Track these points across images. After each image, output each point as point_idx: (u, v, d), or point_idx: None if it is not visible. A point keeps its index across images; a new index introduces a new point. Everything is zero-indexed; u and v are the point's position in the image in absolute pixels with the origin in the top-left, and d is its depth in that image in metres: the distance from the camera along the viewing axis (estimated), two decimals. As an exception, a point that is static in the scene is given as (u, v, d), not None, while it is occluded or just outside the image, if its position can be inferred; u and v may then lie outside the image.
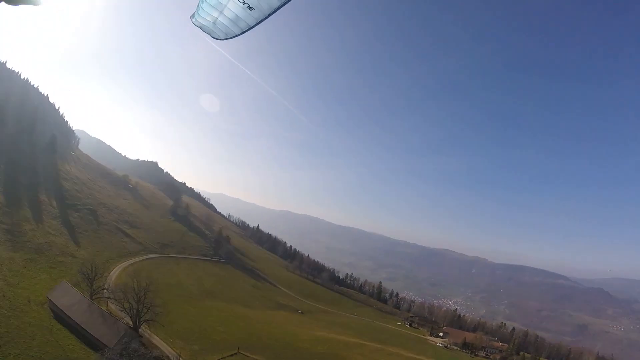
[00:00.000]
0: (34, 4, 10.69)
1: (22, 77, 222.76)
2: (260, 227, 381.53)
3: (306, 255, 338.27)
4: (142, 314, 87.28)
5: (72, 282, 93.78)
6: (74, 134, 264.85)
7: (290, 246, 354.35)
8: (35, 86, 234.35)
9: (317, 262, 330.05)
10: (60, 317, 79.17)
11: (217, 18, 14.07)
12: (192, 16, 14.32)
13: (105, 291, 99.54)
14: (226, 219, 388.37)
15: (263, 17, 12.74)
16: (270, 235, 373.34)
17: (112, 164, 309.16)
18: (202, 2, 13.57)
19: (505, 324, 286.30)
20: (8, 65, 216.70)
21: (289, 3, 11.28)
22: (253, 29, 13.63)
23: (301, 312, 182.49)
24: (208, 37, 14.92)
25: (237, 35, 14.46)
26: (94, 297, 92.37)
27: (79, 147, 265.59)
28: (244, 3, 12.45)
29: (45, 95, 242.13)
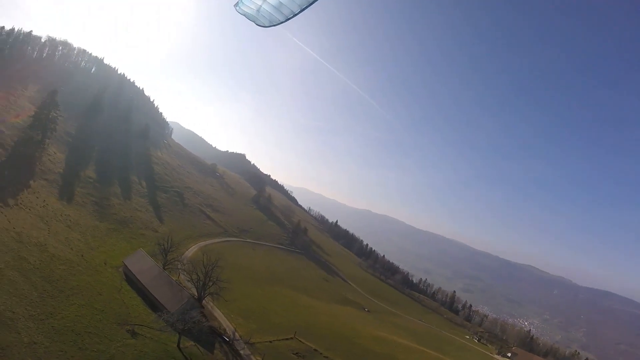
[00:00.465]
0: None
1: (118, 72, 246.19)
2: (338, 223, 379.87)
3: (381, 255, 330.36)
4: (208, 286, 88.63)
5: (150, 252, 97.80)
6: (168, 124, 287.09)
7: (367, 244, 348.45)
8: (131, 80, 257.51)
9: (392, 263, 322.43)
10: (131, 280, 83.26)
11: (260, 5, 14.75)
12: (236, 4, 15.17)
13: (177, 263, 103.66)
14: (306, 212, 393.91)
15: (307, 4, 13.31)
16: (347, 231, 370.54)
17: (202, 154, 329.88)
18: None
19: (579, 352, 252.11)
20: (105, 61, 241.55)
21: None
22: (298, 16, 14.06)
23: (367, 311, 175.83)
24: (252, 25, 16.11)
25: (281, 22, 14.98)
26: (166, 267, 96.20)
27: (172, 136, 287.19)
28: None
29: (141, 89, 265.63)
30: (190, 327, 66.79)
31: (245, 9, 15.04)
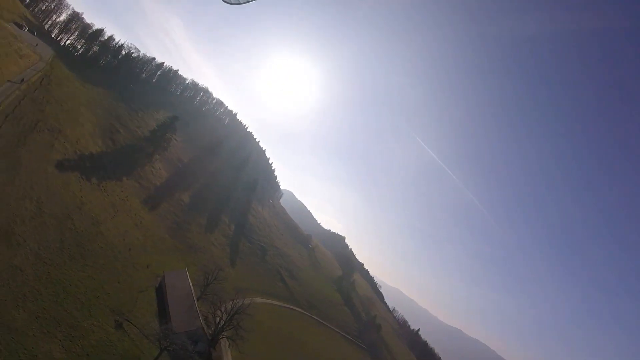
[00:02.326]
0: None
1: (246, 129, 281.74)
2: (419, 332, 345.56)
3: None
4: (225, 328, 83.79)
5: (196, 279, 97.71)
6: (279, 188, 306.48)
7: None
8: (257, 140, 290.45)
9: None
10: (160, 290, 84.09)
11: None
12: None
13: (214, 297, 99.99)
14: (389, 311, 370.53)
15: None
16: (426, 344, 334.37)
17: (303, 225, 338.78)
18: None
19: None
20: (238, 117, 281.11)
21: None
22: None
23: None
24: (221, 3, 17.08)
25: (249, 1, 15.93)
26: (201, 297, 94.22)
27: (280, 201, 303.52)
28: None
29: (263, 149, 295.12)
30: (175, 351, 62.78)
31: None
